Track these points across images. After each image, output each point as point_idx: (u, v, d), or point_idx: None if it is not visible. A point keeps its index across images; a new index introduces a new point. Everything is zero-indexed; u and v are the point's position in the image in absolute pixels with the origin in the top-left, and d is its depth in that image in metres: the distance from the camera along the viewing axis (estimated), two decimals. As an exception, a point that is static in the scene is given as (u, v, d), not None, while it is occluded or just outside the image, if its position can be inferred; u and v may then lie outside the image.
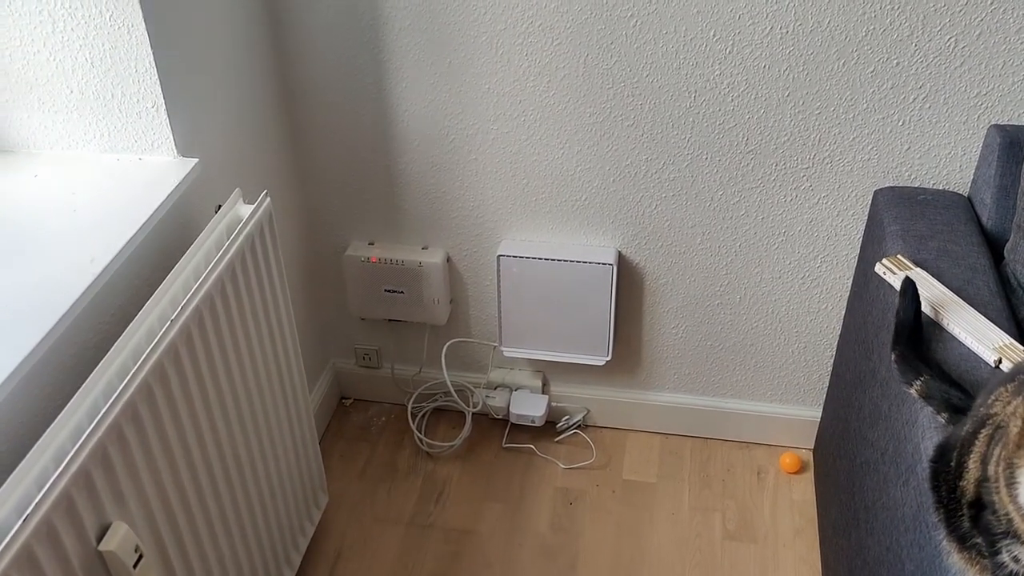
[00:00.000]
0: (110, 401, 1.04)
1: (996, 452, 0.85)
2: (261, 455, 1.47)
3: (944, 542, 0.94)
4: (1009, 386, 0.90)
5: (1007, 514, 0.85)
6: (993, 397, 0.91)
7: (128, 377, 1.07)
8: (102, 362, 1.09)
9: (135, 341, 1.14)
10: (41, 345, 1.06)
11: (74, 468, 0.97)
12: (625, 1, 1.50)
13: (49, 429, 1.00)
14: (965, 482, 0.90)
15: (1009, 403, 0.87)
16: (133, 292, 1.29)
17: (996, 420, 0.88)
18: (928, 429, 1.10)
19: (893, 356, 1.20)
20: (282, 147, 1.75)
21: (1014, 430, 0.82)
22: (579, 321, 1.85)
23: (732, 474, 1.97)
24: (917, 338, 1.22)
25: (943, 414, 1.09)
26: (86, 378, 1.07)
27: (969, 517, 0.91)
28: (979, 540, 0.89)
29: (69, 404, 1.03)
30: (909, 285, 1.24)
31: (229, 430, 1.34)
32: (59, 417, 1.01)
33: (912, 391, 1.13)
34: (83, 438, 0.99)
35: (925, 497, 1.04)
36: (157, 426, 1.14)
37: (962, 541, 0.91)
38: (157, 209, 1.28)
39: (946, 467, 0.94)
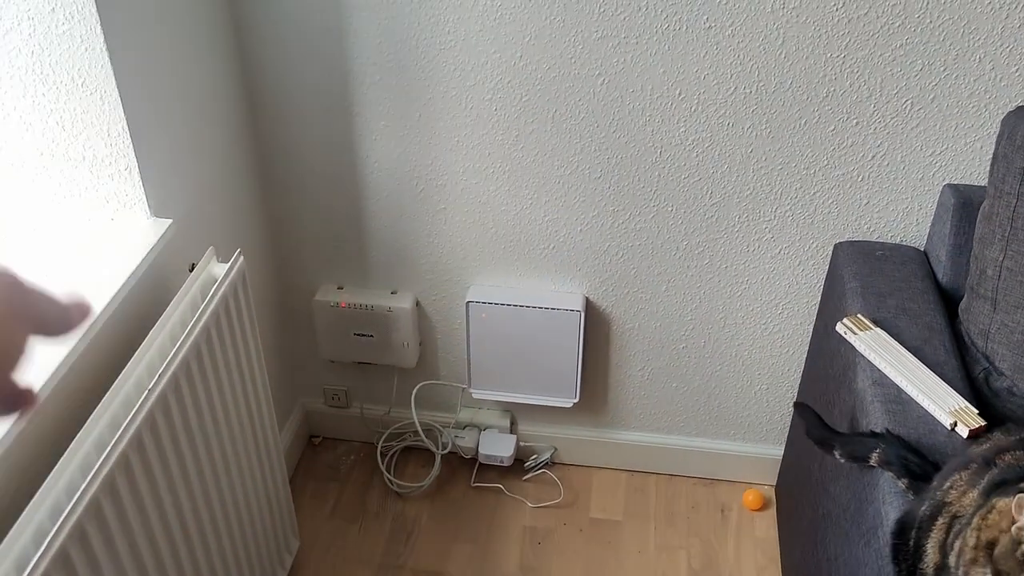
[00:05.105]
0: (88, 477, 1.05)
1: (957, 546, 0.89)
2: (235, 508, 1.47)
3: (906, 616, 0.98)
4: (963, 474, 0.94)
5: None
6: (948, 484, 0.95)
7: (107, 450, 1.08)
8: (79, 434, 1.09)
9: (112, 411, 1.15)
10: (15, 424, 1.06)
11: (54, 550, 0.97)
12: (592, 60, 1.54)
13: (27, 508, 1.00)
14: (925, 565, 0.94)
15: (965, 493, 0.91)
16: (109, 359, 1.29)
17: (952, 510, 0.92)
18: (889, 494, 1.14)
19: (839, 458, 1.27)
20: (253, 199, 1.75)
21: (970, 541, 0.85)
22: (547, 365, 1.88)
23: (696, 511, 2.01)
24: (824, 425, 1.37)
25: (903, 480, 1.13)
26: (63, 452, 1.07)
27: None
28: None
29: (47, 481, 1.03)
30: (800, 409, 1.44)
31: (204, 487, 1.35)
32: (36, 495, 1.02)
33: (871, 463, 1.17)
34: (62, 519, 1.00)
35: (886, 562, 1.08)
36: (134, 496, 1.15)
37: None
38: (132, 274, 1.28)
39: (906, 545, 0.98)
